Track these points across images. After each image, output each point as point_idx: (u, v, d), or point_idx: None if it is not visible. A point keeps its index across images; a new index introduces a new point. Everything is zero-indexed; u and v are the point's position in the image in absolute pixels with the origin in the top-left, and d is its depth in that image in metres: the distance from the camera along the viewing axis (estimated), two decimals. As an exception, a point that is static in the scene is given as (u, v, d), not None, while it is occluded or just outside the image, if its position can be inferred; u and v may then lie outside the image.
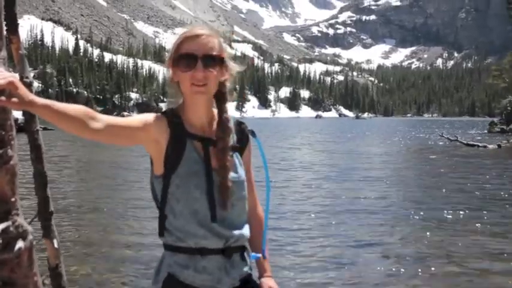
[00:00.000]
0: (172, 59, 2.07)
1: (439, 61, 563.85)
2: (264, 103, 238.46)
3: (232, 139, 2.16)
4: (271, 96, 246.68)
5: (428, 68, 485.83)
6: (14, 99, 1.58)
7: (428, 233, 9.35)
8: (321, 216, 10.71)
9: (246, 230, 2.17)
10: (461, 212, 11.20)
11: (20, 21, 2.49)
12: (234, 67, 2.17)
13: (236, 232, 2.10)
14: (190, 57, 2.01)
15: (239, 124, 2.23)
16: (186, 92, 2.06)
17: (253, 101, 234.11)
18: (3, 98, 1.56)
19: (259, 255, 2.29)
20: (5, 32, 1.93)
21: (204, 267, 2.06)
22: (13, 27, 2.36)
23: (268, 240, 2.35)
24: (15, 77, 1.57)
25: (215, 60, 2.04)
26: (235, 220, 2.11)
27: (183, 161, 2.04)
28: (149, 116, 2.04)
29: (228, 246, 2.08)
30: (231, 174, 2.09)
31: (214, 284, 2.08)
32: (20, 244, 1.84)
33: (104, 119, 1.85)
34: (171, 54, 2.08)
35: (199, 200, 2.03)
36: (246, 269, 2.18)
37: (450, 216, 10.86)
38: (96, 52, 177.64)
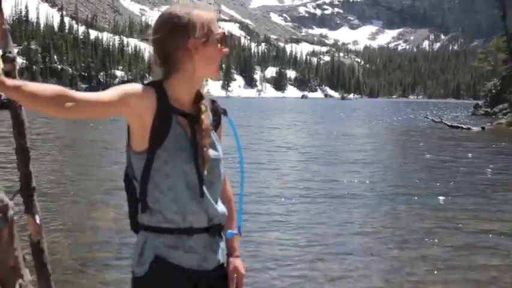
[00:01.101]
0: (202, 35, 2.04)
1: (426, 43, 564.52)
2: (250, 83, 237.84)
3: (210, 116, 2.17)
4: (257, 76, 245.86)
5: (415, 50, 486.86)
6: None
7: (410, 216, 9.42)
8: (301, 200, 10.61)
9: (224, 208, 2.19)
10: (443, 195, 11.27)
11: (3, -4, 2.17)
12: None
13: (219, 209, 2.12)
14: (224, 37, 2.11)
15: (212, 102, 2.24)
16: (211, 70, 2.11)
17: (239, 81, 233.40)
18: None
19: (235, 231, 2.31)
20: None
21: (190, 246, 2.05)
22: (-3, 3, 2.11)
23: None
24: None
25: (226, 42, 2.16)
26: (215, 196, 2.13)
27: (170, 136, 2.01)
28: (133, 88, 1.98)
29: (212, 225, 2.09)
30: (212, 152, 2.10)
31: (201, 262, 2.09)
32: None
33: (79, 98, 1.80)
34: (205, 33, 2.05)
35: (189, 174, 2.02)
36: (222, 244, 2.21)
37: (433, 198, 10.94)
38: (82, 29, 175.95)
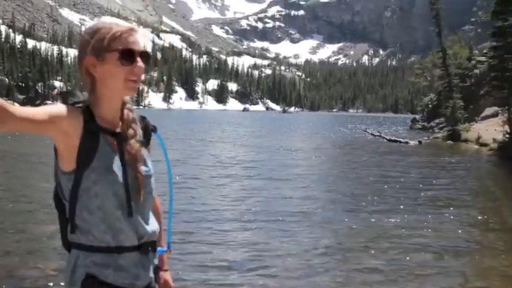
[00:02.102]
0: (102, 52, 2.00)
1: (365, 58, 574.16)
2: (192, 95, 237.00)
3: (139, 133, 2.15)
4: (199, 88, 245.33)
5: (355, 64, 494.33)
6: None
7: (349, 232, 9.50)
8: (239, 217, 10.48)
9: (156, 225, 2.19)
10: (381, 210, 11.43)
11: None
12: None
13: (149, 228, 2.10)
14: (131, 53, 1.99)
15: (142, 119, 2.23)
16: (117, 87, 2.02)
17: (180, 93, 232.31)
18: None
19: (165, 249, 2.35)
20: None
21: (121, 265, 2.03)
22: None
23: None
24: None
25: (148, 57, 2.06)
26: (146, 214, 2.12)
27: (97, 156, 1.98)
28: (60, 109, 1.91)
29: (143, 243, 2.08)
30: (142, 168, 2.09)
31: (133, 281, 2.06)
32: None
33: (11, 111, 1.73)
34: (99, 46, 2.00)
35: (118, 194, 1.99)
36: (155, 261, 2.21)
37: (370, 214, 11.06)
38: (19, 38, 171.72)
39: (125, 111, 2.12)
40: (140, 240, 2.06)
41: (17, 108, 1.78)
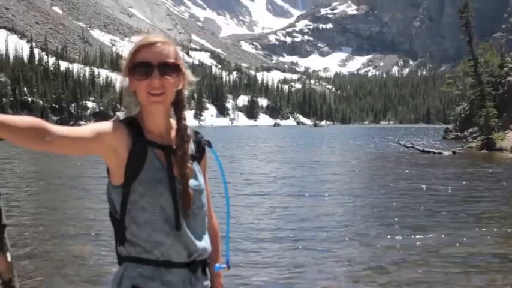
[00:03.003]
0: (128, 68, 2.05)
1: (395, 69, 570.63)
2: (222, 111, 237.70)
3: (191, 148, 2.15)
4: (230, 104, 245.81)
5: (385, 75, 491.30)
6: None
7: (385, 242, 9.43)
8: (268, 235, 10.46)
9: (208, 242, 2.15)
10: (418, 221, 11.32)
11: (-29, 29, 2.10)
12: (190, 75, 2.17)
13: (200, 244, 2.07)
14: (146, 65, 2.00)
15: (195, 134, 2.23)
16: (143, 102, 2.04)
17: (211, 110, 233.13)
18: None
19: (224, 265, 2.31)
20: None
21: (168, 280, 2.01)
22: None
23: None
24: None
25: (171, 68, 2.03)
26: (197, 229, 2.09)
27: (145, 169, 2.00)
28: (106, 125, 1.97)
29: (193, 260, 2.06)
30: (192, 182, 2.08)
31: None
32: None
33: (56, 130, 1.78)
34: (127, 63, 2.05)
35: (165, 208, 1.99)
36: (206, 282, 2.16)
37: (405, 225, 10.97)
38: (52, 60, 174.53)
39: (178, 125, 2.13)
40: (190, 257, 2.05)
41: (60, 127, 1.83)
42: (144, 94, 2.01)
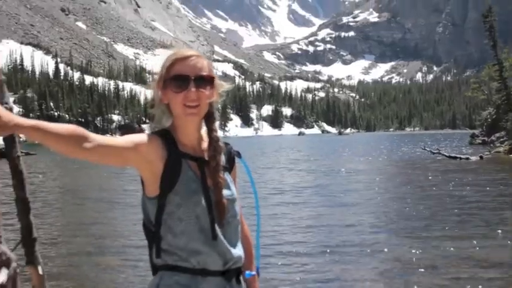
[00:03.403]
0: (162, 80, 2.10)
1: (419, 75, 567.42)
2: (247, 122, 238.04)
3: (222, 159, 2.19)
4: (254, 114, 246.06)
5: (409, 82, 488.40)
6: None
7: (415, 250, 9.37)
8: (306, 242, 10.52)
9: (242, 250, 2.18)
10: (447, 226, 11.23)
11: (-2, 46, 2.20)
12: (223, 86, 2.22)
13: (235, 252, 2.10)
14: (182, 78, 2.05)
15: (226, 145, 2.26)
16: (179, 114, 2.09)
17: (235, 120, 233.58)
18: None
19: (254, 272, 2.33)
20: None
21: None
22: (-9, 53, 2.32)
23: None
24: None
25: (206, 81, 2.09)
26: (232, 237, 2.12)
27: (180, 180, 2.04)
28: (142, 137, 2.02)
29: (228, 269, 2.09)
30: (225, 192, 2.11)
31: None
32: (3, 272, 1.78)
33: (95, 139, 1.85)
34: (161, 76, 2.10)
35: (201, 217, 2.03)
36: None
37: (436, 230, 10.89)
38: (77, 75, 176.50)
39: (210, 137, 2.17)
40: (225, 266, 2.08)
41: (99, 136, 1.89)
42: (180, 106, 2.06)
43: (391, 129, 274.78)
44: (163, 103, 2.13)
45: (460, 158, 32.98)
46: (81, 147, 1.79)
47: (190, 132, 2.13)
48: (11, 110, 2.48)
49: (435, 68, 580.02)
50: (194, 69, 2.07)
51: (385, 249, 9.49)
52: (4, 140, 2.55)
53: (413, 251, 9.26)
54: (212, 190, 2.08)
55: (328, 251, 9.46)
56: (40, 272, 2.84)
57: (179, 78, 2.06)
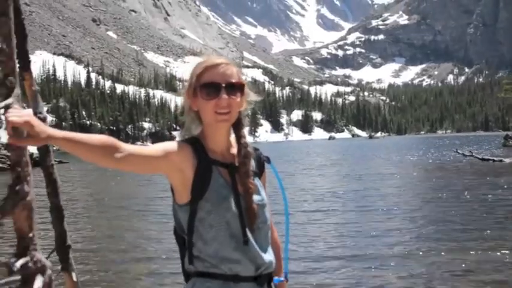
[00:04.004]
0: (192, 88, 2.12)
1: (450, 77, 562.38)
2: (277, 127, 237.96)
3: (252, 164, 2.20)
4: (284, 119, 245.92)
5: (440, 84, 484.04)
6: (30, 139, 1.65)
7: (450, 255, 9.26)
8: (337, 248, 10.43)
9: (273, 255, 2.19)
10: (483, 231, 11.07)
11: (32, 57, 2.23)
12: (252, 94, 2.24)
13: (266, 257, 2.11)
14: (214, 85, 2.06)
15: (255, 150, 2.26)
16: (210, 121, 2.10)
17: (265, 126, 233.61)
18: (20, 138, 1.64)
19: (282, 278, 2.34)
20: (17, 69, 1.95)
21: None
22: (25, 64, 2.40)
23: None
24: (30, 115, 1.61)
25: (237, 88, 2.10)
26: (263, 243, 2.13)
27: (211, 187, 2.06)
28: (172, 145, 2.05)
29: (260, 274, 2.09)
30: (256, 198, 2.12)
31: None
32: (39, 280, 1.85)
33: (126, 148, 1.88)
34: (191, 84, 2.13)
35: (231, 223, 2.04)
36: None
37: (471, 235, 10.74)
38: (108, 84, 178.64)
39: (239, 143, 2.19)
40: (257, 271, 2.08)
41: (130, 145, 1.93)
42: (211, 113, 2.07)
43: (422, 132, 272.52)
44: (192, 110, 2.15)
45: (494, 161, 32.52)
46: (112, 157, 1.83)
47: (220, 139, 2.14)
48: (45, 119, 2.57)
49: (467, 70, 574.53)
50: (224, 77, 2.08)
51: (420, 253, 9.39)
52: (38, 149, 2.61)
53: (449, 256, 9.13)
54: (243, 196, 2.09)
55: (359, 256, 9.38)
56: (74, 278, 2.89)
57: (210, 85, 2.06)
